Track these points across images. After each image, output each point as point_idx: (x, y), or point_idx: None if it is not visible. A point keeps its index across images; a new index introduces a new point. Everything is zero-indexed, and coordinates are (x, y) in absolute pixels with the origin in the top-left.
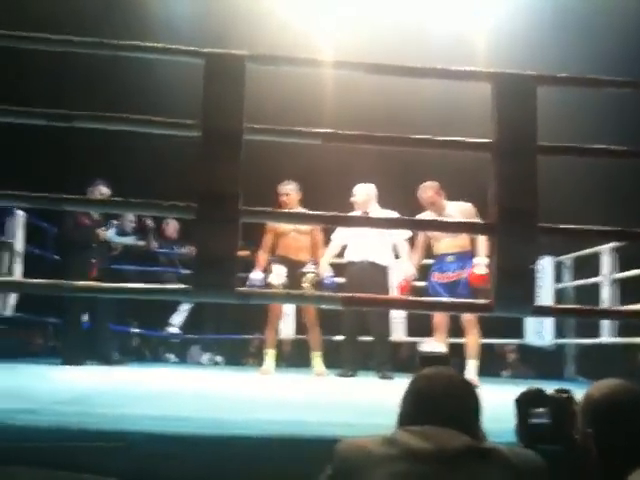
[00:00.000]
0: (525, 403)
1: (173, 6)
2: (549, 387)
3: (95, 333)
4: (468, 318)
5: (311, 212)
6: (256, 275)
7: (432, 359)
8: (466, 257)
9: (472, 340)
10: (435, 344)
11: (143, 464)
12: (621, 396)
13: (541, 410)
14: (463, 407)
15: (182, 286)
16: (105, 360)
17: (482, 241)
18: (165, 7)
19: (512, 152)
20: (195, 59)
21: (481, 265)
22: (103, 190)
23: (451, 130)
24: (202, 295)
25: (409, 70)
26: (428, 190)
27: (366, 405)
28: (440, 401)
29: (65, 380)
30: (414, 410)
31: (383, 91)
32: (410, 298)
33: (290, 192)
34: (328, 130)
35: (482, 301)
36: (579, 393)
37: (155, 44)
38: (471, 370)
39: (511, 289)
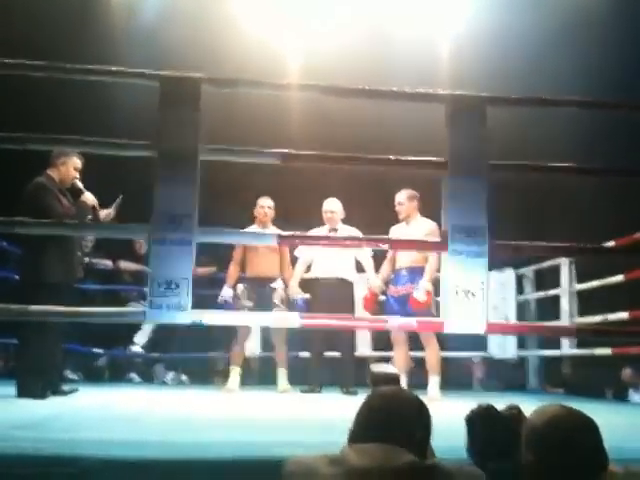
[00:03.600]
0: (475, 421)
1: (137, 28)
2: (514, 399)
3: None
4: (425, 333)
5: (266, 231)
6: (227, 291)
7: (383, 379)
8: (417, 272)
9: (431, 354)
10: (385, 365)
11: None
12: (558, 423)
13: (489, 430)
14: (412, 425)
15: (138, 309)
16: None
17: (432, 260)
18: (129, 29)
19: (463, 171)
20: (150, 82)
21: (421, 290)
22: (77, 163)
23: (421, 147)
24: (157, 317)
25: (365, 92)
26: (407, 199)
27: (327, 422)
28: (389, 419)
29: (23, 404)
30: (364, 427)
31: (352, 108)
32: (363, 316)
33: (270, 206)
34: (285, 150)
35: (435, 319)
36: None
37: (110, 67)
38: (433, 386)
39: (462, 307)
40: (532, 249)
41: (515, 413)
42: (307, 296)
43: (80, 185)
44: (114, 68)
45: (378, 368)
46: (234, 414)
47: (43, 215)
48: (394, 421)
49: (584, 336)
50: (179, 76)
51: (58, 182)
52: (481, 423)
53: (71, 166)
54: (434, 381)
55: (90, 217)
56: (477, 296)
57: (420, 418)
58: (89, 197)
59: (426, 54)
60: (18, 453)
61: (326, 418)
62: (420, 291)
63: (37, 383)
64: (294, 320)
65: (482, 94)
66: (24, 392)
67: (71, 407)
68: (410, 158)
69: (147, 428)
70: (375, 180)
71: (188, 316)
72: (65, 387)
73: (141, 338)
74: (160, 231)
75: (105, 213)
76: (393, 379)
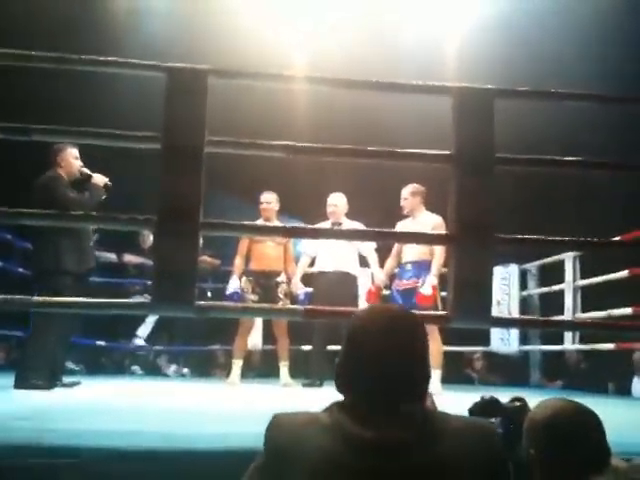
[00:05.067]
0: (478, 413)
1: (142, 21)
2: (515, 394)
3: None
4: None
5: (271, 225)
6: (234, 282)
7: None
8: (422, 266)
9: (433, 348)
10: None
11: None
12: (561, 417)
13: (494, 420)
14: (411, 353)
15: (141, 300)
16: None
17: (438, 254)
18: (135, 22)
19: (471, 165)
20: (156, 73)
21: (428, 285)
22: (75, 152)
23: (429, 141)
24: (161, 309)
25: (372, 84)
26: (410, 194)
27: None
28: (382, 349)
29: (24, 395)
30: (350, 366)
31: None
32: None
33: (270, 201)
34: (290, 143)
35: (440, 313)
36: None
37: (116, 58)
38: (434, 380)
39: (469, 300)
40: (536, 243)
41: (520, 405)
42: (310, 290)
43: (87, 170)
44: (122, 59)
45: None
46: (239, 407)
47: (57, 205)
48: (387, 351)
49: (587, 330)
50: (186, 67)
51: (66, 177)
52: (485, 415)
53: (70, 157)
54: (435, 375)
55: (105, 197)
56: (484, 290)
57: (417, 340)
58: (99, 178)
59: (432, 47)
60: (21, 443)
61: None
62: (426, 286)
63: (43, 374)
64: (298, 312)
65: (490, 86)
66: (27, 383)
67: (74, 398)
68: (417, 151)
69: (152, 420)
70: (383, 175)
71: (193, 308)
72: (66, 380)
73: (144, 331)
74: (166, 223)
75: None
76: None
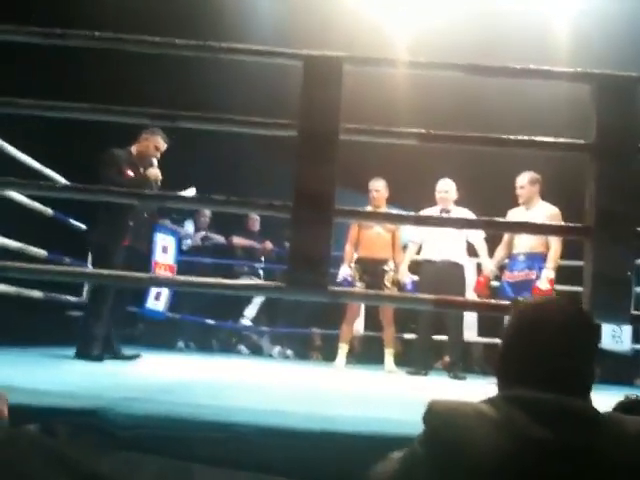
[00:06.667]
0: (623, 412)
1: (249, 7)
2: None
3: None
4: None
5: (403, 213)
6: (344, 269)
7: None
8: (535, 258)
9: None
10: None
11: (258, 455)
12: None
13: None
14: (581, 349)
15: (276, 284)
16: (113, 354)
17: (555, 246)
18: (240, 9)
19: (613, 154)
20: (294, 61)
21: (545, 279)
22: (161, 142)
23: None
24: (296, 293)
25: (507, 71)
26: (529, 182)
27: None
28: (554, 339)
29: (145, 372)
30: (522, 359)
31: (461, 89)
32: (500, 302)
33: (380, 189)
34: (423, 130)
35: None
36: None
37: (254, 46)
38: None
39: (607, 296)
40: None
41: None
42: (416, 278)
43: (154, 162)
44: (260, 47)
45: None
46: (366, 391)
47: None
48: (555, 340)
49: None
50: (322, 55)
51: (135, 156)
52: (630, 414)
53: (152, 143)
54: None
55: (149, 190)
56: (624, 285)
57: (591, 338)
58: (152, 172)
59: (542, 31)
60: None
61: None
62: (544, 280)
63: (96, 345)
64: (426, 301)
65: (632, 74)
66: (82, 354)
67: (201, 374)
68: (552, 140)
69: (285, 399)
70: (489, 163)
71: (327, 293)
72: (126, 352)
73: (250, 312)
74: (302, 210)
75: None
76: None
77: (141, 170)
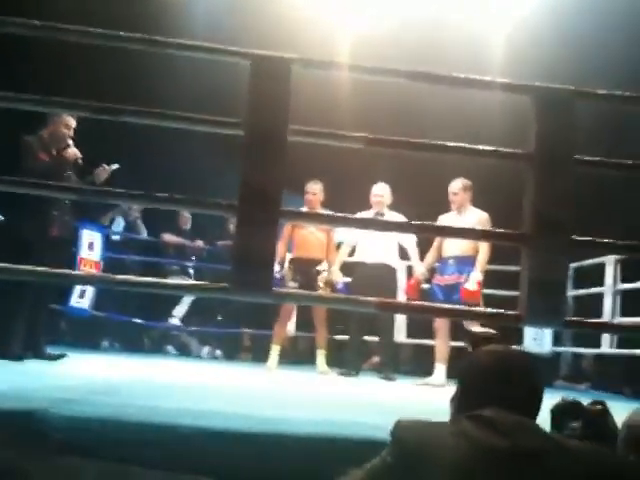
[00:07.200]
0: (559, 414)
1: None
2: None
3: (28, 321)
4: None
5: (349, 216)
6: (275, 268)
7: (485, 339)
8: (465, 262)
9: (441, 345)
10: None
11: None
12: None
13: (575, 424)
14: (535, 389)
15: (220, 285)
16: (36, 353)
17: (483, 251)
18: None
19: (550, 163)
20: (241, 60)
21: (473, 281)
22: (70, 120)
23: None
24: (241, 294)
25: (449, 79)
26: (462, 188)
27: (390, 406)
28: (514, 382)
29: (72, 372)
30: (478, 392)
31: (397, 96)
32: (443, 306)
33: (317, 192)
34: (369, 135)
35: (512, 312)
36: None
37: (203, 44)
38: (440, 373)
39: (543, 301)
40: (608, 246)
41: (602, 409)
42: (348, 280)
43: (69, 142)
44: (208, 45)
45: (476, 328)
46: (302, 393)
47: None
48: (518, 384)
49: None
50: (271, 55)
51: (47, 139)
52: (566, 416)
53: (60, 124)
54: (441, 369)
55: (69, 172)
56: (559, 291)
57: (539, 381)
58: (70, 152)
59: (481, 41)
60: (108, 418)
61: (392, 402)
62: (472, 281)
63: (15, 344)
64: (369, 304)
65: (570, 87)
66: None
67: (130, 375)
68: (494, 148)
69: (223, 400)
70: (423, 168)
71: (271, 295)
72: (51, 352)
73: (180, 311)
74: (247, 210)
75: (101, 169)
76: (495, 339)
77: (54, 152)
